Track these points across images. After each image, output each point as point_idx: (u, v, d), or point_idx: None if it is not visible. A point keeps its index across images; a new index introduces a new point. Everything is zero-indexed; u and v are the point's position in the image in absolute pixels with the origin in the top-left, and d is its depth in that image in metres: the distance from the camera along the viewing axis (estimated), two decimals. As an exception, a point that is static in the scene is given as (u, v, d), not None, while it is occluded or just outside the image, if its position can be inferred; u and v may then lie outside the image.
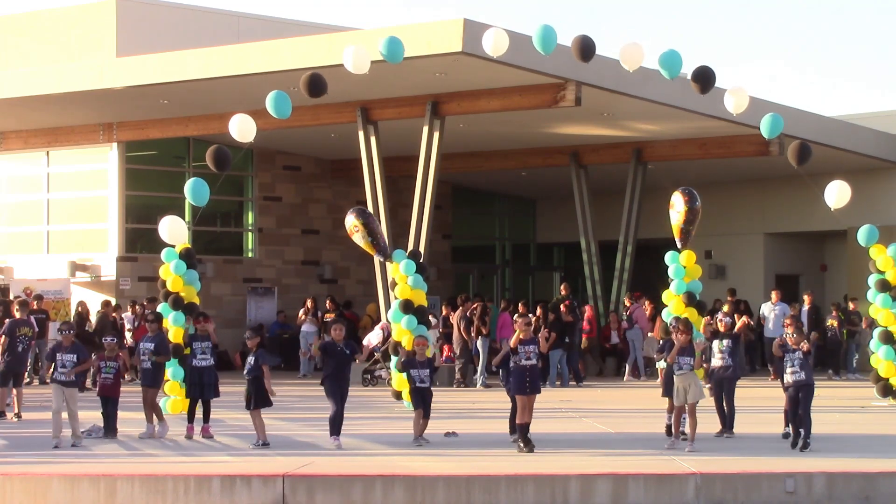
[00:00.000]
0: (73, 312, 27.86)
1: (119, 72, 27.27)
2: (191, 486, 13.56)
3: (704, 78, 17.87)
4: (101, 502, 13.60)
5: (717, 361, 16.95)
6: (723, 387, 16.94)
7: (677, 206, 18.67)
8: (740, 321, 23.58)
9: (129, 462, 15.08)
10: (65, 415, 16.26)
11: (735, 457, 14.96)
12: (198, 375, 17.05)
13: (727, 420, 16.88)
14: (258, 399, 16.07)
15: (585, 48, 17.48)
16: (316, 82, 17.90)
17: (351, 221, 20.71)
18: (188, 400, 17.38)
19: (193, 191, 18.56)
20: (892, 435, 17.77)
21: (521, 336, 15.63)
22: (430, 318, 26.23)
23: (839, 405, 21.02)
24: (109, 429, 17.07)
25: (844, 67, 78.09)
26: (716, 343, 17.03)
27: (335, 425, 15.64)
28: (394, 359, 21.35)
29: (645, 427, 17.48)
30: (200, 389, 17.04)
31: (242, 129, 18.26)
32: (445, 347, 27.25)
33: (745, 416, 17.20)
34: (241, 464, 14.59)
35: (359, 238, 20.81)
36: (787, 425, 15.94)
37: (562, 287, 29.78)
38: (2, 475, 13.96)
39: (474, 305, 27.11)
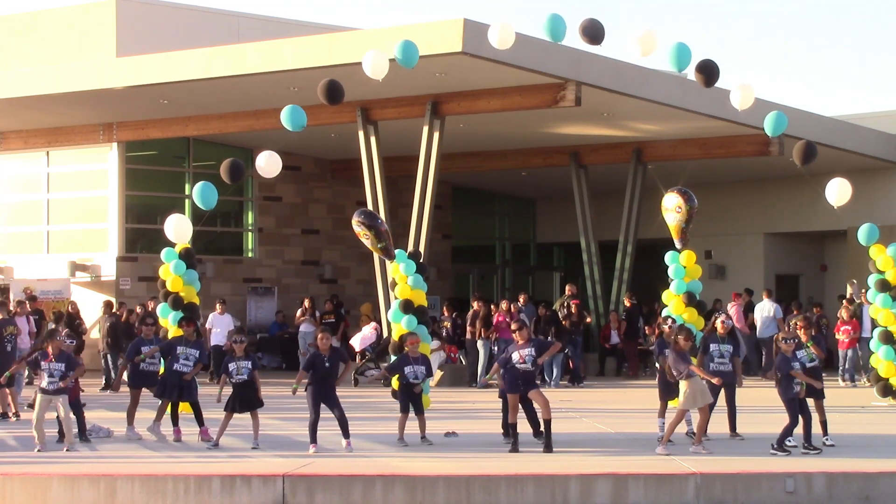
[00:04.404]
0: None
1: (119, 72, 27.28)
2: (191, 486, 13.55)
3: (708, 71, 17.82)
4: (101, 502, 13.59)
5: (717, 366, 16.82)
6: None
7: (676, 207, 18.67)
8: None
9: (129, 462, 15.06)
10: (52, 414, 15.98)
11: (735, 457, 14.95)
12: (177, 378, 16.92)
13: (730, 422, 16.84)
14: (255, 400, 16.04)
15: (594, 31, 17.34)
16: (333, 90, 17.86)
17: (358, 229, 20.56)
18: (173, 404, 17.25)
19: (202, 195, 18.51)
20: (892, 435, 17.76)
21: (518, 342, 15.74)
22: (435, 332, 26.34)
23: (839, 405, 21.01)
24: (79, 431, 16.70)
25: (844, 67, 78.13)
26: (715, 346, 16.85)
27: (311, 433, 15.57)
28: (393, 359, 21.32)
29: (645, 427, 17.47)
30: (178, 392, 16.96)
31: (269, 166, 18.31)
32: (446, 348, 27.29)
33: (745, 416, 17.18)
34: (241, 464, 14.58)
35: (368, 243, 20.71)
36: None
37: (567, 287, 29.74)
38: (2, 475, 13.95)
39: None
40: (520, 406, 16.09)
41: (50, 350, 15.80)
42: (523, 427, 16.03)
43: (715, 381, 15.62)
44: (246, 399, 15.99)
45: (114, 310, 26.28)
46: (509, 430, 15.86)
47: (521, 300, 28.24)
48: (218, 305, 27.13)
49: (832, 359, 31.06)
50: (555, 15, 17.31)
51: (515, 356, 15.66)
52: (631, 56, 18.31)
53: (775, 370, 15.66)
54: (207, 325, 26.29)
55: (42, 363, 15.75)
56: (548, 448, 15.43)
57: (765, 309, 28.74)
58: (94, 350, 26.74)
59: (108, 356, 25.32)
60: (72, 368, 15.85)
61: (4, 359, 19.65)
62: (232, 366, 15.96)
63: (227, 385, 16.09)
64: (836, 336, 26.40)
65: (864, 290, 26.64)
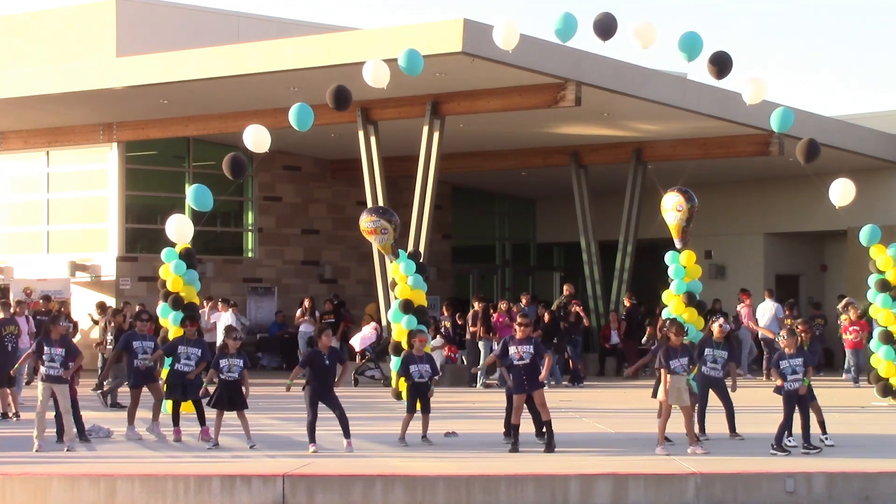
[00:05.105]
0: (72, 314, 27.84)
1: (119, 72, 27.29)
2: (191, 486, 13.55)
3: (721, 62, 17.75)
4: (101, 502, 13.59)
5: (708, 370, 16.74)
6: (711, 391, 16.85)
7: (677, 206, 18.66)
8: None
9: (129, 462, 15.06)
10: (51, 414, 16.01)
11: (735, 457, 14.95)
12: (179, 378, 16.94)
13: (729, 422, 16.83)
14: (240, 402, 16.02)
15: (607, 25, 17.27)
16: (340, 96, 17.85)
17: (380, 224, 20.45)
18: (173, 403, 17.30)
19: (196, 197, 18.46)
20: (892, 435, 17.76)
21: (518, 336, 15.73)
22: (437, 329, 26.35)
23: (839, 405, 21.02)
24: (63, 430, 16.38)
25: (844, 67, 78.12)
26: (709, 351, 16.76)
27: (310, 432, 15.54)
28: (394, 359, 21.34)
29: (645, 427, 17.46)
30: (182, 391, 16.98)
31: (257, 139, 18.27)
32: (447, 348, 27.28)
33: (745, 416, 17.19)
34: (241, 464, 14.58)
35: (383, 239, 20.61)
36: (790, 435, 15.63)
37: (565, 287, 29.70)
38: (2, 475, 13.95)
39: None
40: (524, 407, 16.18)
41: (53, 335, 15.89)
42: (527, 427, 16.02)
43: (661, 397, 15.44)
44: (233, 398, 15.96)
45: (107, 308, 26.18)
46: (510, 430, 15.85)
47: (524, 301, 28.21)
48: (220, 304, 27.16)
49: (832, 359, 31.10)
50: (568, 14, 17.25)
51: (512, 350, 15.63)
52: (632, 53, 18.34)
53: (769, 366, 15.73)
54: (213, 320, 26.36)
55: (45, 348, 15.79)
56: (549, 448, 15.45)
57: (766, 309, 28.71)
58: (89, 350, 26.70)
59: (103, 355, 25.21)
60: (72, 353, 15.89)
61: (5, 358, 19.63)
62: (224, 362, 15.94)
63: (212, 383, 16.11)
64: (845, 336, 26.33)
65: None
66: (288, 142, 30.69)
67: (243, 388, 16.01)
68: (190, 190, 18.73)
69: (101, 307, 26.04)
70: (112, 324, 25.08)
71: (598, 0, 17.63)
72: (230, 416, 16.14)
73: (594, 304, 31.00)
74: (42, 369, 15.90)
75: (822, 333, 28.15)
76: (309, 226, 34.28)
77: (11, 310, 21.08)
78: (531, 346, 15.65)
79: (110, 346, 24.80)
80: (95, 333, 27.25)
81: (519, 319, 16.11)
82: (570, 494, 13.49)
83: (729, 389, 16.73)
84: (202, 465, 14.50)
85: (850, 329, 25.92)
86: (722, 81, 18.59)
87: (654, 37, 17.54)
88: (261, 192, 33.35)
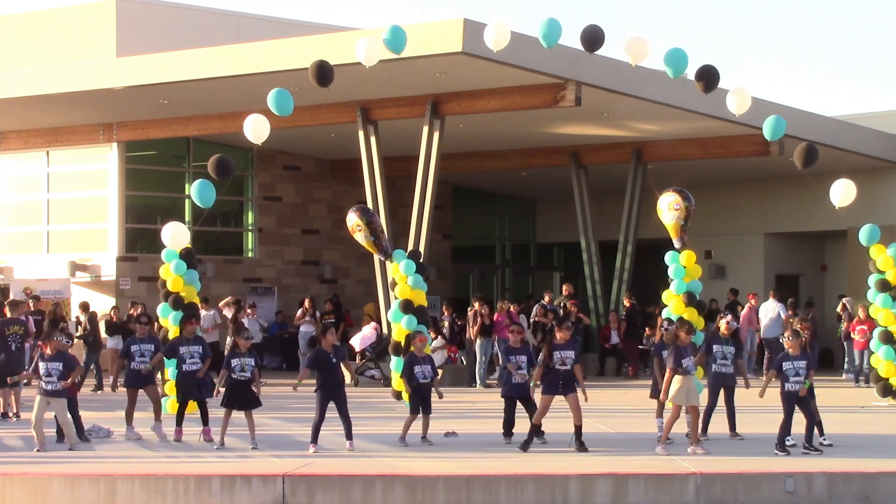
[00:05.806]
0: (72, 313, 27.80)
1: (119, 72, 27.30)
2: (191, 486, 13.55)
3: (709, 77, 17.82)
4: (101, 502, 13.59)
5: (719, 367, 16.73)
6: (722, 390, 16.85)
7: (674, 205, 18.67)
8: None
9: (129, 462, 15.07)
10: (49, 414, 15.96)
11: (735, 457, 14.96)
12: (191, 378, 16.88)
13: (730, 422, 16.84)
14: (254, 400, 16.03)
15: (592, 38, 17.35)
16: (322, 70, 17.86)
17: (353, 220, 20.45)
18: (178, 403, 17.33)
19: (200, 193, 18.49)
20: (892, 435, 17.77)
21: (556, 341, 15.61)
22: (437, 330, 26.32)
23: (839, 405, 21.03)
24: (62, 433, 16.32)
25: (844, 67, 78.11)
26: (718, 348, 16.75)
27: (314, 433, 15.55)
28: (394, 359, 21.32)
29: (645, 427, 17.47)
30: (197, 390, 16.95)
31: (257, 129, 18.24)
32: (447, 348, 27.28)
33: (745, 416, 17.19)
34: (241, 464, 14.58)
35: (361, 237, 20.59)
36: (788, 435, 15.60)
37: (564, 287, 29.71)
38: (2, 475, 13.96)
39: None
40: (515, 407, 16.25)
41: (48, 350, 15.81)
42: (521, 427, 16.03)
43: (661, 396, 15.59)
44: (245, 397, 15.97)
45: (90, 309, 26.18)
46: (532, 430, 15.69)
47: (546, 298, 27.94)
48: (249, 310, 27.46)
49: (832, 359, 31.11)
50: (551, 20, 17.28)
51: (557, 356, 15.50)
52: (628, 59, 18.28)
53: (772, 367, 15.76)
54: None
55: (41, 363, 15.77)
56: (581, 448, 15.39)
57: (769, 309, 28.68)
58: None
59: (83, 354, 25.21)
60: (70, 368, 15.83)
61: (9, 358, 19.62)
62: (236, 362, 15.92)
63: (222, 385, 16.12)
64: (851, 335, 26.30)
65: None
66: (288, 141, 30.76)
67: (253, 387, 16.00)
68: (194, 185, 18.75)
69: (84, 307, 25.97)
70: (88, 328, 25.15)
71: (594, 5, 17.72)
72: (237, 417, 16.13)
73: (594, 304, 31.00)
74: (40, 383, 15.82)
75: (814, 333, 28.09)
76: (309, 226, 34.28)
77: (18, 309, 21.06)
78: (573, 353, 15.60)
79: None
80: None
81: (560, 326, 15.84)
82: (570, 494, 13.49)
83: (741, 387, 16.75)
84: (202, 465, 14.51)
85: (858, 329, 25.86)
86: (721, 82, 18.64)
87: (644, 53, 17.61)
88: (261, 192, 33.36)
